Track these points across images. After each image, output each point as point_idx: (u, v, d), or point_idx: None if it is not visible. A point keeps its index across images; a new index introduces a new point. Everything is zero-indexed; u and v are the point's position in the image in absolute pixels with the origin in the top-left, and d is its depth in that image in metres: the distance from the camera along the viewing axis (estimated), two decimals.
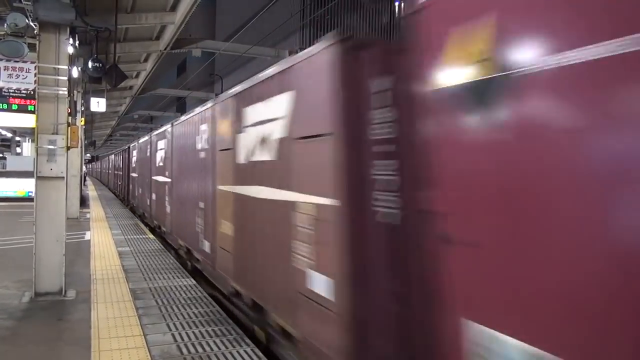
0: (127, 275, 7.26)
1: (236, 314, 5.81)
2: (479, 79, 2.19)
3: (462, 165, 2.36)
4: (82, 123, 16.69)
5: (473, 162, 2.28)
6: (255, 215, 4.96)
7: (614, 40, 1.65)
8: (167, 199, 10.30)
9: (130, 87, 20.55)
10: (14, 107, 8.37)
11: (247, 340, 4.68)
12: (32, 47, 6.95)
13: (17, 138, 26.10)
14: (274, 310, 4.45)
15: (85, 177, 32.71)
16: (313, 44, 3.70)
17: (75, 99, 13.44)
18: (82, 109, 15.83)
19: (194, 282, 6.98)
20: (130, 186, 18.51)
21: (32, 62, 7.93)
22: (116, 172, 25.86)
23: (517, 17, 2.08)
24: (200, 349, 4.42)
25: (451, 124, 2.43)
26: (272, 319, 4.48)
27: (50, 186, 6.14)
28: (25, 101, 8.36)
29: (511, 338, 2.06)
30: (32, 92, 8.10)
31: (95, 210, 17.56)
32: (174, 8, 10.84)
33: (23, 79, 8.04)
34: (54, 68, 6.16)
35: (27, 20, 6.46)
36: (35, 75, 6.91)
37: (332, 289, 3.33)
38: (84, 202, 19.23)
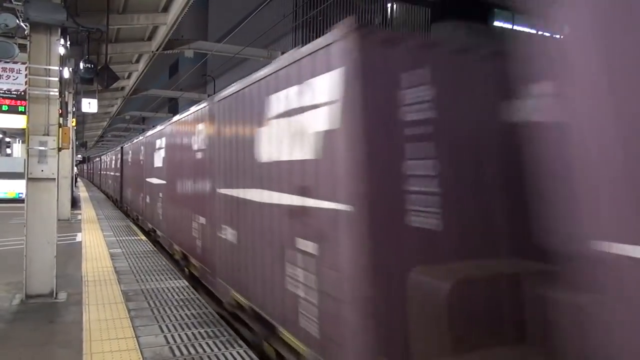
0: (119, 277, 7.23)
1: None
2: None
3: None
4: (73, 124, 16.58)
5: None
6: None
7: None
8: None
9: (122, 88, 20.45)
10: (4, 107, 8.32)
11: (240, 342, 4.69)
12: (22, 47, 6.91)
13: (7, 139, 25.84)
14: (188, 252, 7.84)
15: (76, 178, 32.48)
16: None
17: (66, 99, 13.36)
18: (73, 109, 15.72)
19: (187, 283, 6.98)
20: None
21: (22, 63, 7.89)
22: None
23: None
24: (192, 351, 4.41)
25: None
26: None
27: (41, 187, 6.10)
28: (15, 102, 8.31)
29: None
30: (22, 93, 8.05)
31: (87, 211, 17.46)
32: (166, 9, 10.81)
33: (14, 79, 8.00)
34: (45, 69, 6.11)
35: (17, 21, 6.41)
36: (25, 76, 6.88)
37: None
38: (75, 203, 19.10)
